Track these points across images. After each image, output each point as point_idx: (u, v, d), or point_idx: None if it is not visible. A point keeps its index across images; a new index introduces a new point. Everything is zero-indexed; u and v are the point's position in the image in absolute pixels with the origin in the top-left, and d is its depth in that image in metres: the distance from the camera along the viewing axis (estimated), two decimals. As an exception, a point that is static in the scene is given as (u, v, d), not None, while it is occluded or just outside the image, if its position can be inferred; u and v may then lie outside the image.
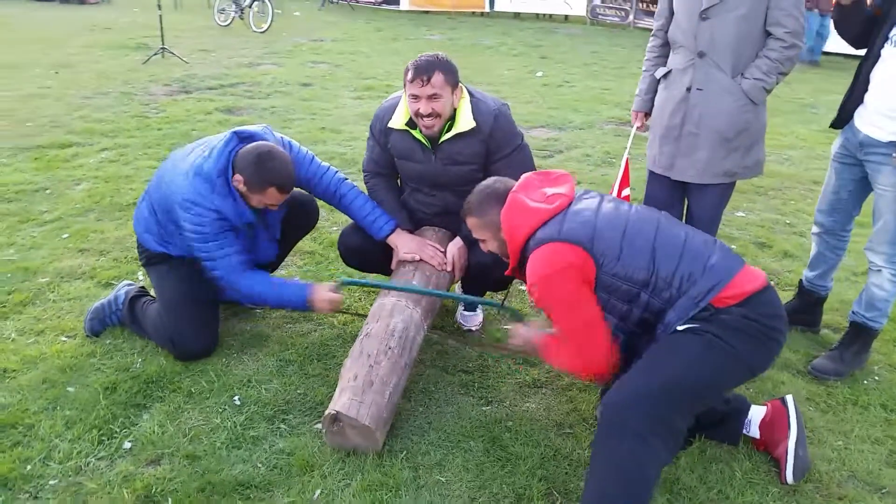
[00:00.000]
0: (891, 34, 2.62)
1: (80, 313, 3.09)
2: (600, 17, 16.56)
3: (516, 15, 17.55)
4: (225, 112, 6.87)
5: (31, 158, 5.20)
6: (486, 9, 17.53)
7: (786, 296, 3.32)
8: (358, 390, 2.29)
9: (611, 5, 16.48)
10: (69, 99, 7.11)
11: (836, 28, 2.82)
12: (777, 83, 2.82)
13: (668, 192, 3.05)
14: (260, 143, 2.70)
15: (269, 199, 2.69)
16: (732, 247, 4.13)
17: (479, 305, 3.18)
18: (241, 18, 13.56)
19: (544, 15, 17.45)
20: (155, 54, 9.49)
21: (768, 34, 2.79)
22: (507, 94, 7.95)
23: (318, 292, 2.76)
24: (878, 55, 2.66)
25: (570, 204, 2.19)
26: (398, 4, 18.02)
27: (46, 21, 13.23)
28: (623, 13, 16.19)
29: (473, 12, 17.70)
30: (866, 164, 2.74)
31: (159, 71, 8.78)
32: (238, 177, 2.64)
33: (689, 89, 2.85)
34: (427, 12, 17.72)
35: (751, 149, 2.90)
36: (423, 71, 2.69)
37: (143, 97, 7.39)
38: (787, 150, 6.21)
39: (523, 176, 2.33)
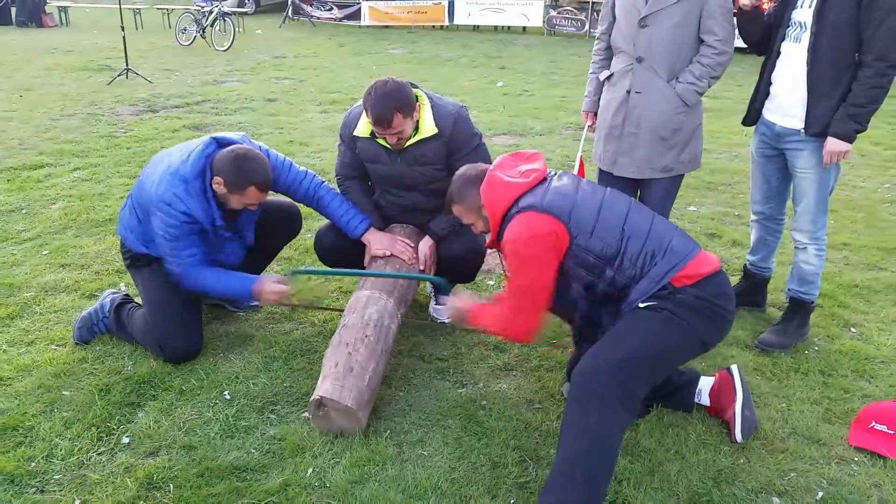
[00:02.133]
0: (787, 32, 2.92)
1: (68, 324, 3.21)
2: (557, 27, 16.99)
3: (475, 27, 17.91)
4: (193, 129, 7.00)
5: (4, 180, 5.27)
6: (446, 22, 17.86)
7: (734, 280, 3.58)
8: (339, 376, 2.48)
9: (567, 16, 16.92)
10: (36, 121, 7.17)
11: (740, 34, 3.11)
12: (709, 86, 3.08)
13: (619, 188, 3.28)
14: (236, 146, 2.84)
15: (249, 199, 2.82)
16: (685, 238, 4.40)
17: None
18: (203, 37, 13.67)
19: (503, 27, 17.84)
20: (119, 75, 9.56)
21: (701, 41, 3.05)
22: (469, 104, 8.16)
23: (264, 283, 2.91)
24: (779, 52, 2.96)
25: (545, 178, 2.39)
26: (359, 20, 18.27)
27: (5, 45, 13.17)
28: (579, 23, 16.64)
29: (434, 26, 18.03)
30: (786, 152, 3.02)
31: (124, 91, 8.86)
32: (217, 179, 2.77)
33: (628, 92, 3.10)
34: (387, 27, 18.00)
35: (686, 145, 3.15)
36: (382, 119, 2.81)
37: (110, 117, 7.47)
38: (736, 148, 6.55)
39: (498, 158, 2.51)
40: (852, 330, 3.32)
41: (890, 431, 2.46)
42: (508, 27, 17.78)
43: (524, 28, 17.55)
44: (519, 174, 2.39)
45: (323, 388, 2.46)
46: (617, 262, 2.28)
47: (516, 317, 2.37)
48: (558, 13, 17.03)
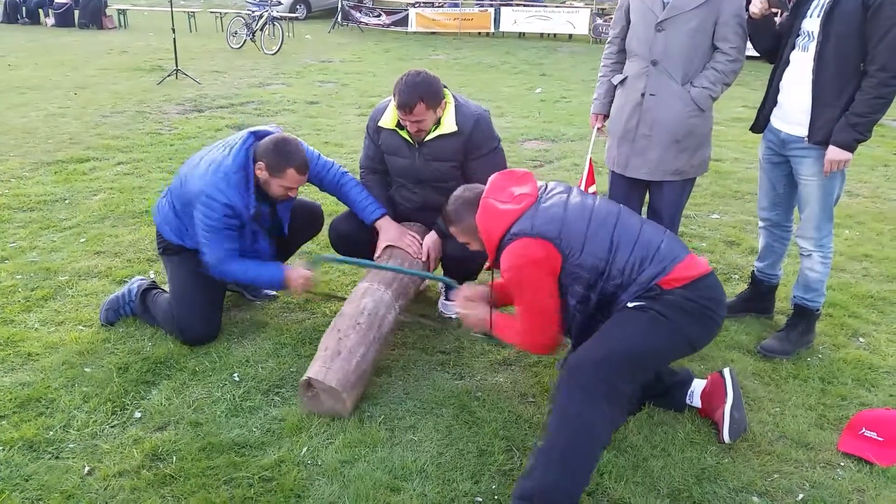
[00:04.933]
0: (796, 41, 2.93)
1: (97, 306, 3.40)
2: (603, 35, 16.91)
3: (521, 35, 17.96)
4: (234, 129, 7.22)
5: (52, 172, 5.56)
6: (492, 29, 17.96)
7: (742, 287, 3.59)
8: (327, 359, 2.61)
9: (614, 24, 16.82)
10: (87, 118, 7.51)
11: (751, 42, 3.12)
12: (722, 92, 3.11)
13: (628, 190, 3.33)
14: (275, 134, 3.04)
15: (289, 182, 2.98)
16: (702, 244, 4.41)
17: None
18: (253, 41, 14.03)
19: (549, 34, 17.85)
20: (169, 75, 9.92)
21: (715, 48, 3.09)
22: (505, 110, 8.30)
23: (293, 270, 3.07)
24: (788, 61, 2.96)
25: (537, 200, 2.44)
26: (407, 26, 18.50)
27: (67, 46, 13.76)
28: (625, 31, 16.53)
29: (479, 32, 18.15)
30: (791, 159, 3.02)
31: (173, 91, 9.18)
32: (260, 164, 2.96)
33: (643, 94, 3.14)
34: (434, 33, 18.18)
35: (697, 150, 3.19)
36: (406, 104, 2.99)
37: (157, 116, 7.77)
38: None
39: (490, 179, 2.55)
40: (860, 340, 3.30)
41: (879, 438, 2.46)
42: (554, 35, 17.78)
43: (570, 36, 17.55)
44: (511, 198, 2.42)
45: (310, 370, 2.59)
46: (605, 273, 2.34)
47: (531, 334, 2.47)
48: (604, 21, 16.96)
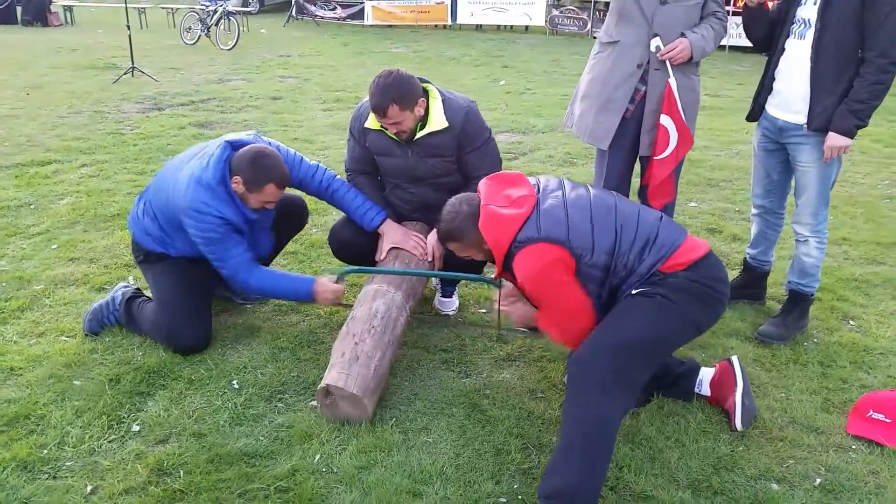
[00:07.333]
0: (791, 29, 2.97)
1: (78, 316, 3.26)
2: (559, 27, 17.02)
3: (478, 27, 17.94)
4: (198, 126, 7.04)
5: (12, 176, 5.32)
6: (449, 21, 17.90)
7: (733, 274, 3.63)
8: (345, 365, 2.54)
9: (569, 15, 16.95)
10: (43, 118, 7.22)
11: (744, 31, 3.17)
12: (710, 52, 3.12)
13: (623, 168, 3.32)
14: (252, 145, 2.90)
15: (268, 197, 2.87)
16: (687, 233, 4.44)
17: (455, 292, 3.43)
18: (208, 36, 13.71)
19: (505, 26, 17.88)
20: (125, 73, 9.61)
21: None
22: (472, 102, 8.21)
23: (321, 284, 2.95)
24: (783, 49, 3.00)
25: (537, 202, 2.37)
26: (363, 19, 18.31)
27: (11, 44, 13.22)
28: (581, 22, 16.67)
29: (436, 25, 18.07)
30: (788, 146, 3.06)
31: (130, 89, 8.90)
32: (237, 178, 2.82)
33: (639, 66, 3.12)
34: (391, 26, 18.04)
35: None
36: (378, 107, 2.90)
37: (116, 115, 7.52)
38: (736, 145, 6.58)
39: (481, 185, 2.48)
40: (851, 322, 3.37)
41: (887, 420, 2.50)
42: (511, 26, 17.80)
43: (526, 27, 17.58)
44: (510, 202, 2.36)
45: (329, 377, 2.52)
46: (612, 268, 2.34)
47: (570, 335, 2.41)
48: (560, 12, 17.06)
